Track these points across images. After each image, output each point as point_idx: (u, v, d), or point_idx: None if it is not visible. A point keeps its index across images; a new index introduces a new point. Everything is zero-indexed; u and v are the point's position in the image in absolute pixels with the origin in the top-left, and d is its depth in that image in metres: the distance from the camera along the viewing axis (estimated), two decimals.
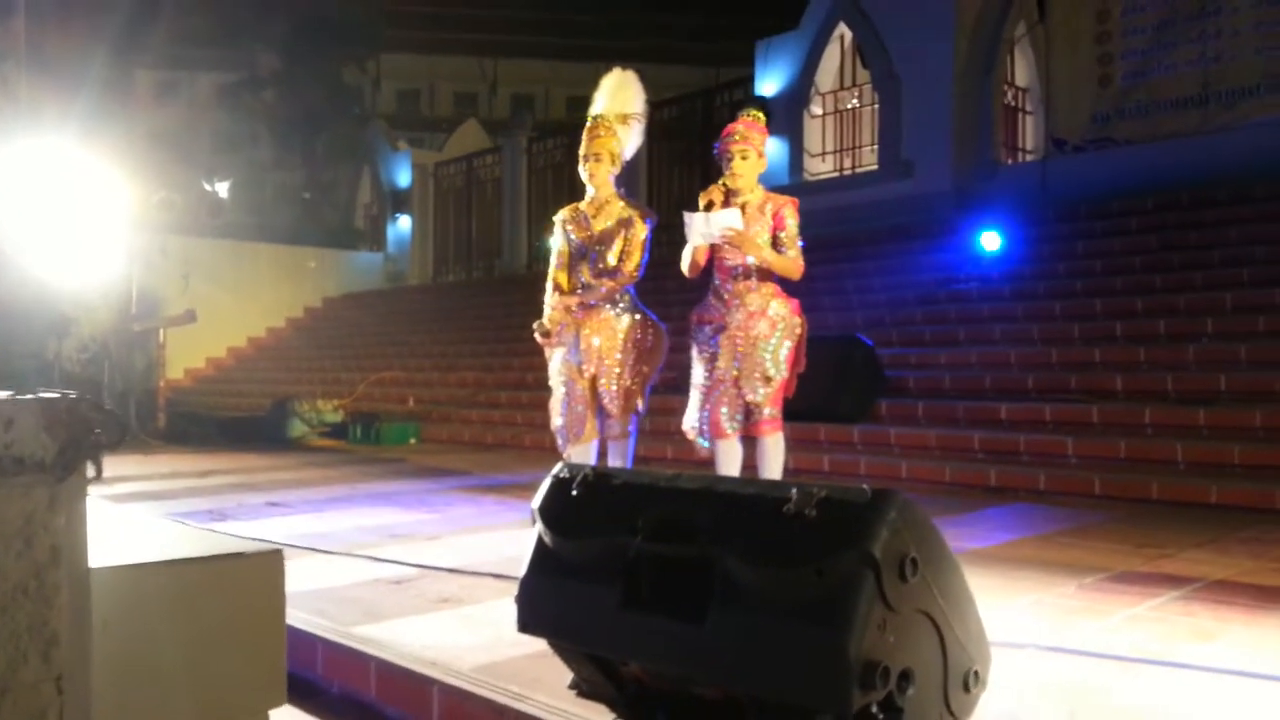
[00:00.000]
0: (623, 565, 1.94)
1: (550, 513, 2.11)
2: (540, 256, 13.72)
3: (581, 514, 2.06)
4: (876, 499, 1.69)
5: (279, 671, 1.01)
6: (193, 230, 12.08)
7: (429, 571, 3.34)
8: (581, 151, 4.32)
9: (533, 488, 5.86)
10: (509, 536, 4.07)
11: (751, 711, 1.75)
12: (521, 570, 3.22)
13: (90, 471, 0.76)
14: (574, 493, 2.09)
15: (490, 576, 3.24)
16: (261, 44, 20.40)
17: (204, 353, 13.83)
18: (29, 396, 0.73)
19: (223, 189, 12.36)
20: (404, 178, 16.76)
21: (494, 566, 3.36)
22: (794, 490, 1.76)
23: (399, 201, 16.66)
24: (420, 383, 10.52)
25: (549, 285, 4.42)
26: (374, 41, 21.43)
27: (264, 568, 0.98)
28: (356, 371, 11.28)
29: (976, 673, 1.83)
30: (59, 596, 0.71)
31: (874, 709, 1.64)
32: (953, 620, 1.78)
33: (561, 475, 2.15)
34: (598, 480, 2.09)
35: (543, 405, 8.25)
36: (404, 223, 16.64)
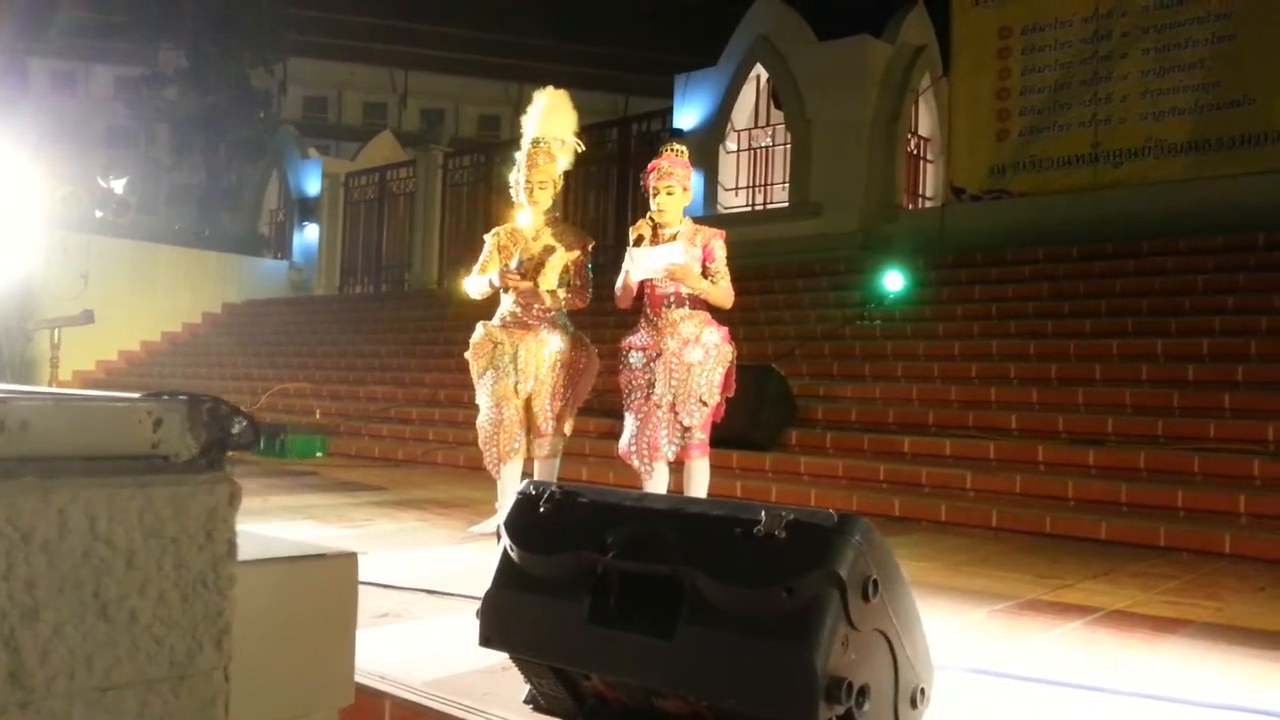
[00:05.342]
0: (591, 581, 2.01)
1: (517, 529, 2.17)
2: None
3: (549, 531, 2.12)
4: (843, 523, 1.80)
5: (349, 669, 1.05)
6: (94, 228, 11.62)
7: (363, 587, 3.32)
8: (525, 178, 4.39)
9: (451, 505, 5.90)
10: (437, 553, 4.08)
11: None
12: (457, 586, 3.25)
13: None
14: (541, 510, 2.16)
15: (425, 592, 3.25)
16: (167, 40, 19.80)
17: (95, 356, 13.26)
18: (172, 397, 0.77)
19: (119, 186, 11.92)
20: (313, 186, 16.45)
21: (427, 583, 3.37)
22: (763, 512, 1.87)
23: (307, 209, 16.33)
24: (327, 395, 10.32)
25: (476, 271, 4.47)
26: (280, 44, 21.01)
27: (341, 569, 1.03)
28: (259, 381, 11.00)
29: (923, 690, 1.96)
30: (233, 588, 0.75)
31: None
32: (904, 639, 1.91)
33: (529, 492, 2.21)
34: (566, 498, 2.15)
35: (456, 423, 8.26)
36: (311, 231, 16.31)
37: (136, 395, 0.79)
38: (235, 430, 0.80)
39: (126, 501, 0.70)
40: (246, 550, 0.91)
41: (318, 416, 9.49)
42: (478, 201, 14.03)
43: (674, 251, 3.86)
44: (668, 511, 2.02)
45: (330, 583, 0.98)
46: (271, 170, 17.77)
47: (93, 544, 0.69)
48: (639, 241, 4.08)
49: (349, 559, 1.06)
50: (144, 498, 0.71)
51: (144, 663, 0.70)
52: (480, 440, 4.43)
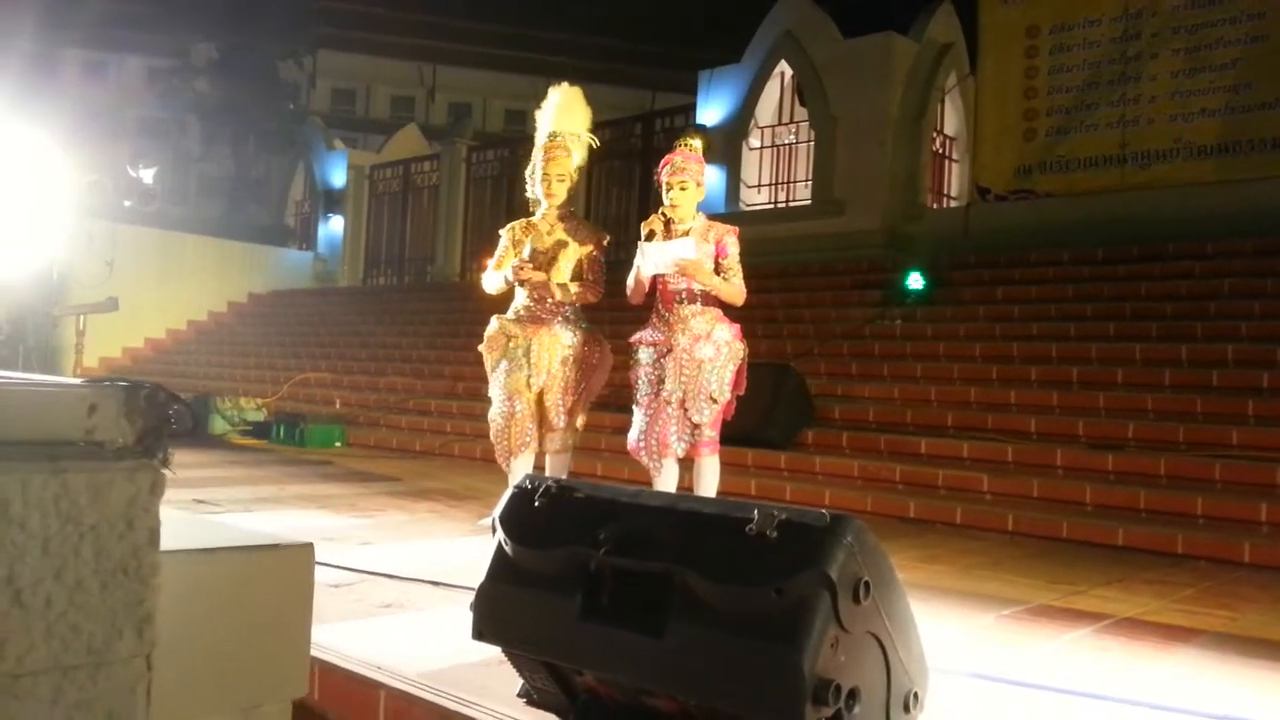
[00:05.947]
0: (584, 577, 1.99)
1: (512, 523, 2.15)
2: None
3: (543, 525, 2.10)
4: (834, 523, 1.77)
5: (304, 661, 1.04)
6: (119, 216, 11.76)
7: (367, 576, 3.33)
8: (541, 171, 4.38)
9: (464, 497, 5.89)
10: (445, 544, 4.08)
11: None
12: (462, 579, 3.25)
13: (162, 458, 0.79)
14: (536, 504, 2.14)
15: (429, 584, 3.25)
16: (194, 30, 19.99)
17: (121, 343, 13.43)
18: (110, 383, 0.77)
19: (148, 175, 12.05)
20: (339, 178, 16.55)
21: (431, 574, 3.37)
22: (755, 511, 1.84)
23: (332, 201, 16.43)
24: (347, 385, 10.38)
25: (492, 266, 4.48)
26: (308, 36, 21.16)
27: (296, 559, 1.02)
28: (281, 370, 11.08)
29: (916, 694, 1.93)
30: (156, 576, 0.74)
31: None
32: (897, 642, 1.88)
33: (524, 486, 2.20)
34: (561, 493, 2.14)
35: (473, 415, 8.27)
36: (336, 223, 16.42)
37: (77, 381, 0.78)
38: (173, 417, 0.79)
39: (41, 488, 0.68)
40: (201, 539, 0.90)
41: (338, 406, 9.54)
42: (501, 195, 14.08)
43: (684, 246, 3.85)
44: (661, 509, 2.00)
45: (285, 574, 0.97)
46: (298, 162, 17.90)
47: (5, 529, 0.68)
48: (650, 236, 4.06)
49: (305, 550, 1.05)
50: (59, 484, 0.69)
51: (59, 649, 0.69)
52: (492, 434, 4.43)
